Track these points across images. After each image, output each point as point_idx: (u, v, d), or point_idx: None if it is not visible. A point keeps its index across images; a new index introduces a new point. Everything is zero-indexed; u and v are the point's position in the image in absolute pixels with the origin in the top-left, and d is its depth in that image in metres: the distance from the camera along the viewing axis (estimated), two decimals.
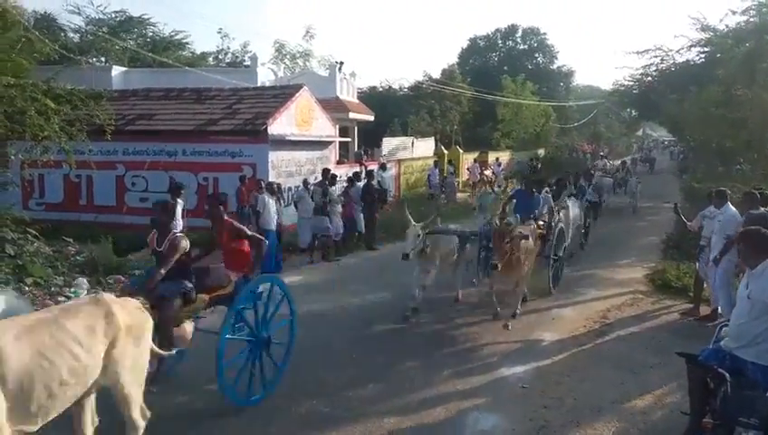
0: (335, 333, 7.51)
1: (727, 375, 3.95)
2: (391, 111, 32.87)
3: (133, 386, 4.03)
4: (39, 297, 8.22)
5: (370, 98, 32.82)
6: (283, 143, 14.83)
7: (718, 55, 23.88)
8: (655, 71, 30.78)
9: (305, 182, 13.30)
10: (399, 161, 23.46)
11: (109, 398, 4.03)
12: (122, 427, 4.11)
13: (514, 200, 9.16)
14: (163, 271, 5.02)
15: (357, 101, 27.13)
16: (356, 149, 24.59)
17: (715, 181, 14.70)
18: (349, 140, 24.90)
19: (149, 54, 23.66)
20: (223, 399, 5.16)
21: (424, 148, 28.77)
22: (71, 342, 3.58)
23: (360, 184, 13.83)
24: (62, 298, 8.07)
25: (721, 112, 20.07)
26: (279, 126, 14.70)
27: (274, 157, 14.53)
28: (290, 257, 12.23)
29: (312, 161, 16.43)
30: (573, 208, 11.52)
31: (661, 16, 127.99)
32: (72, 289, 8.62)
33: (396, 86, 38.89)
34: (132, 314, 4.07)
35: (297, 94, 15.77)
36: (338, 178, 14.24)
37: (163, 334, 4.80)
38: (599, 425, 5.12)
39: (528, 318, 8.15)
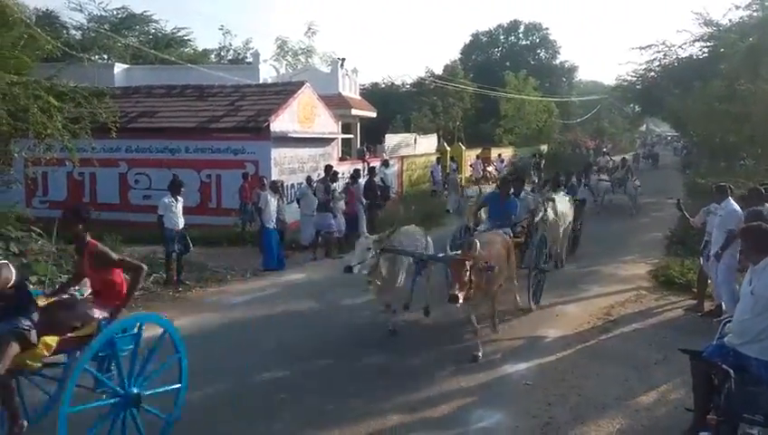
0: (337, 330, 7.52)
1: (731, 371, 3.94)
2: (394, 107, 32.87)
3: None
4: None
5: (373, 94, 32.82)
6: (286, 140, 14.85)
7: (721, 50, 23.84)
8: (658, 66, 30.76)
9: (308, 179, 13.32)
10: (402, 158, 23.45)
11: None
12: None
13: (487, 205, 8.60)
14: None
15: (359, 97, 27.13)
16: (358, 146, 24.58)
17: (719, 177, 14.67)
18: (351, 136, 24.92)
19: (152, 51, 23.71)
20: (221, 398, 5.03)
21: (426, 144, 28.73)
22: None
23: (363, 181, 13.83)
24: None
25: (724, 107, 20.01)
26: (281, 123, 14.71)
27: (277, 154, 14.55)
28: (293, 255, 12.25)
29: (314, 158, 16.44)
30: (561, 203, 10.47)
31: (664, 11, 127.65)
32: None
33: (398, 82, 39.04)
34: None
35: (299, 91, 15.79)
36: (340, 175, 14.24)
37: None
38: (602, 422, 5.12)
39: (531, 315, 8.12)
